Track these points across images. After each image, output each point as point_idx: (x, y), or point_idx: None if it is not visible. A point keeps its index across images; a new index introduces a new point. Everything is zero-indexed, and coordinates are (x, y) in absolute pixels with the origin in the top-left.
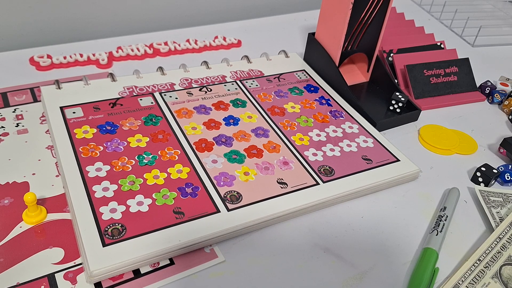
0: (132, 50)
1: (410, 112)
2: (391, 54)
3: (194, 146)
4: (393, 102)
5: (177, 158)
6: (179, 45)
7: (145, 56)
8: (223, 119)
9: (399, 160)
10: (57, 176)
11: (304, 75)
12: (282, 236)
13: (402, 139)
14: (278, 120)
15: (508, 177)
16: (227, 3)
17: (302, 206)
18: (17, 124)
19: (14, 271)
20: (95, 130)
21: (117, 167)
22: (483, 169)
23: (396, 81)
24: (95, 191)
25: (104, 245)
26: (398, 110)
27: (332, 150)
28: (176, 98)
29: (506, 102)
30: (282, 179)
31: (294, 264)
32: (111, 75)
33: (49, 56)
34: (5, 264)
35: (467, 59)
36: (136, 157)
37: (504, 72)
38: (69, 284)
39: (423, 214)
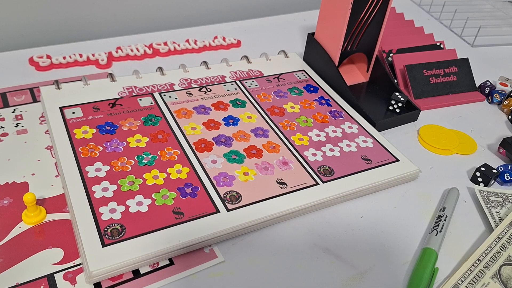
0: (132, 50)
1: (409, 112)
2: (391, 54)
3: (193, 146)
4: (393, 102)
5: (176, 158)
6: (178, 45)
7: (145, 56)
8: (223, 119)
9: (398, 160)
10: (56, 176)
11: (304, 75)
12: (282, 236)
13: (402, 139)
14: (278, 120)
15: (507, 177)
16: (227, 3)
17: (302, 206)
18: (16, 124)
19: (14, 271)
20: (94, 130)
21: (117, 167)
22: (482, 169)
23: (395, 81)
24: (95, 191)
25: (103, 245)
26: (397, 110)
27: (331, 150)
28: (176, 98)
29: (506, 102)
30: (281, 179)
31: (294, 264)
32: (111, 75)
33: (48, 56)
34: (4, 265)
35: (466, 59)
36: (135, 157)
37: (504, 72)
38: (69, 285)
39: (423, 214)
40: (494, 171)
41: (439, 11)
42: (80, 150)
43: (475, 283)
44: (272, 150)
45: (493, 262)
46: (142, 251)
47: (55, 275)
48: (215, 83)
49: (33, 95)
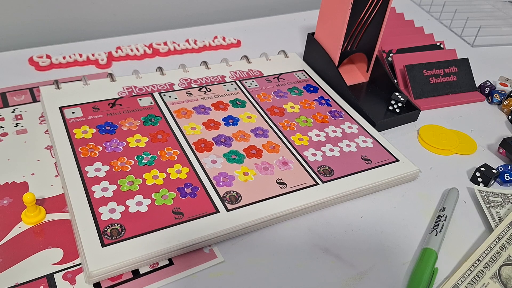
0: (132, 50)
1: (409, 112)
2: (391, 54)
3: (193, 146)
4: (393, 102)
5: (176, 158)
6: (178, 45)
7: (145, 56)
8: (223, 119)
9: (398, 160)
10: (56, 176)
11: (304, 75)
12: (282, 236)
13: (402, 139)
14: (278, 120)
15: (507, 177)
16: (227, 3)
17: (302, 206)
18: (16, 124)
19: (13, 271)
20: (94, 130)
21: (116, 167)
22: (482, 169)
23: (395, 81)
24: (94, 191)
25: (103, 245)
26: (397, 110)
27: (331, 150)
28: (176, 98)
29: (506, 102)
30: (281, 179)
31: (294, 264)
32: (111, 75)
33: (48, 56)
34: (4, 265)
35: (466, 59)
36: (135, 157)
37: (504, 72)
38: (68, 285)
39: (423, 214)
40: (494, 171)
41: (439, 11)
42: (79, 150)
43: (475, 283)
44: (272, 150)
45: (493, 262)
46: (141, 251)
47: (54, 275)
48: (215, 83)
49: (33, 95)
